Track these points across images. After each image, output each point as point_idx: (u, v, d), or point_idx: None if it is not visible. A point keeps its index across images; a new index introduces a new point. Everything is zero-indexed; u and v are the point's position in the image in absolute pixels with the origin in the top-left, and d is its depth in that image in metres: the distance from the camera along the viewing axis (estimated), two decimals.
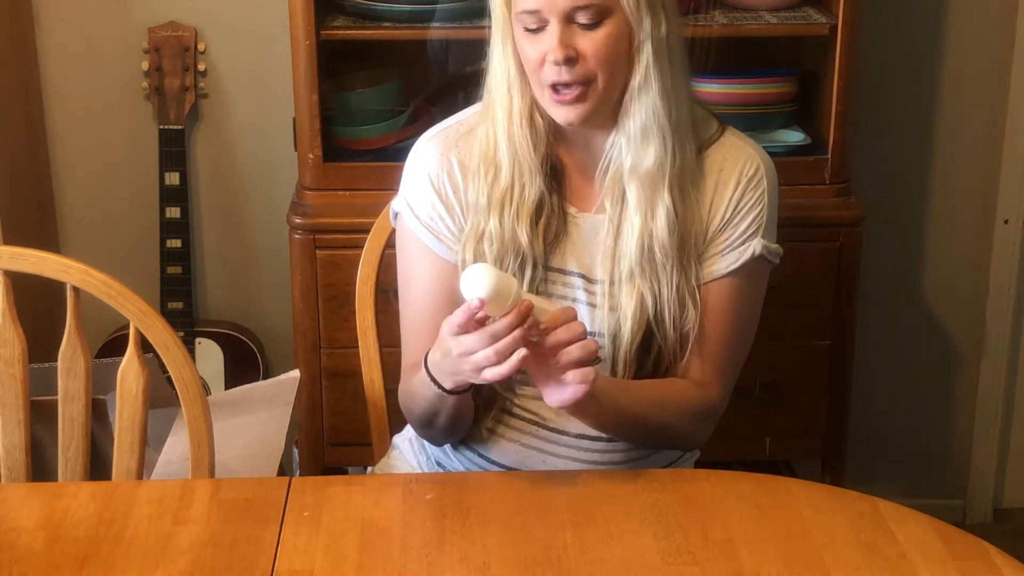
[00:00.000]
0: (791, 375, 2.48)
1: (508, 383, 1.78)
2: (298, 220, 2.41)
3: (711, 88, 2.45)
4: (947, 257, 2.90)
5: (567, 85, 1.69)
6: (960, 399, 3.01)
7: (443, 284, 1.81)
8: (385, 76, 2.51)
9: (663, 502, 1.61)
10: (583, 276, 1.79)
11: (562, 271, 1.79)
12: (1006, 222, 2.86)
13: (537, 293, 1.77)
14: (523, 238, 1.76)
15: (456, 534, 1.55)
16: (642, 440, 1.80)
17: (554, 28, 1.67)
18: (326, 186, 2.41)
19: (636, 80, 1.71)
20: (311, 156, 2.40)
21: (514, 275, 1.74)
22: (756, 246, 1.78)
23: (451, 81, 2.43)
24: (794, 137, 2.47)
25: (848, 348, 2.50)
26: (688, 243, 1.76)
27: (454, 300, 1.78)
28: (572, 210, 1.80)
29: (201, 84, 2.72)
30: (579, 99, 1.69)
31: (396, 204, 1.86)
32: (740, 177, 1.78)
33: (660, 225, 1.73)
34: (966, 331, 2.95)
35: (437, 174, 1.81)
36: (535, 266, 1.77)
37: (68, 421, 1.83)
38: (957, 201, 2.86)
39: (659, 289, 1.74)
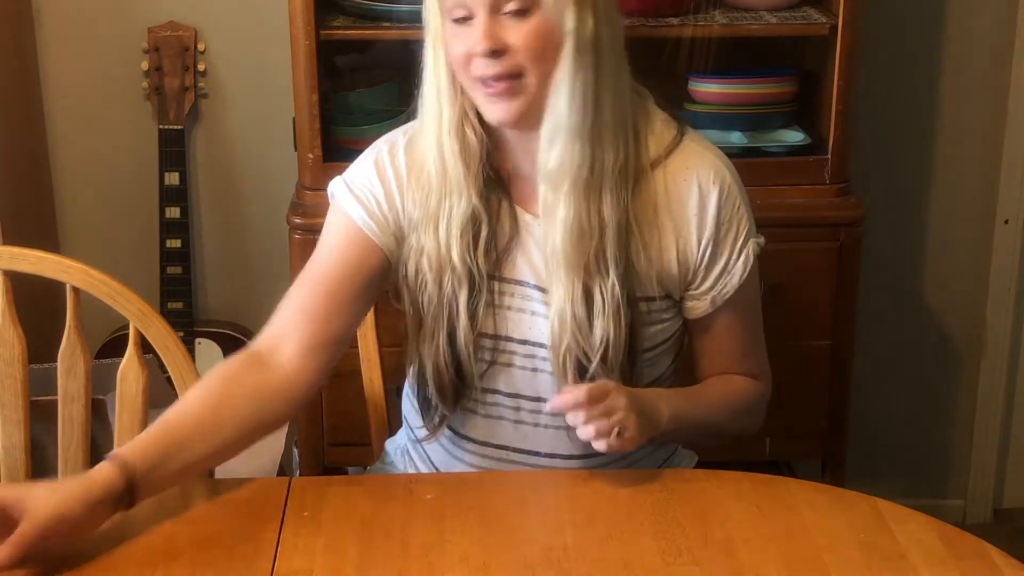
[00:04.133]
0: (791, 375, 2.48)
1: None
2: (298, 220, 2.41)
3: (711, 88, 2.46)
4: (947, 257, 2.90)
5: (497, 79, 1.62)
6: (960, 399, 3.01)
7: (354, 251, 1.74)
8: (385, 76, 2.51)
9: (663, 502, 1.61)
10: (538, 287, 1.73)
11: (516, 282, 1.74)
12: (1006, 222, 2.86)
13: (486, 307, 1.73)
14: (455, 255, 1.70)
15: (456, 534, 1.55)
16: (710, 442, 1.82)
17: (480, 20, 1.61)
18: (326, 186, 2.40)
19: (555, 78, 1.63)
20: (311, 156, 2.40)
21: (454, 292, 1.71)
22: (750, 249, 1.76)
23: None
24: (794, 137, 2.47)
25: (848, 348, 2.50)
26: (617, 252, 1.69)
27: (360, 274, 1.73)
28: (527, 217, 1.74)
29: (201, 84, 2.72)
30: (509, 94, 1.62)
31: (333, 184, 1.80)
32: (710, 191, 1.72)
33: (557, 231, 1.67)
34: (966, 331, 2.95)
35: (384, 161, 1.77)
36: (472, 283, 1.71)
37: (68, 421, 1.83)
38: (957, 201, 2.86)
39: (565, 296, 1.68)
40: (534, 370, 1.75)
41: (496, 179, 1.73)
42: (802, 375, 2.49)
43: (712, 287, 1.75)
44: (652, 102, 1.76)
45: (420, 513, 1.59)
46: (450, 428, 1.81)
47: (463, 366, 1.74)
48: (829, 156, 2.42)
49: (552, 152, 1.65)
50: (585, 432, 1.59)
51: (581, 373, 1.70)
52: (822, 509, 1.60)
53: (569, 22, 1.61)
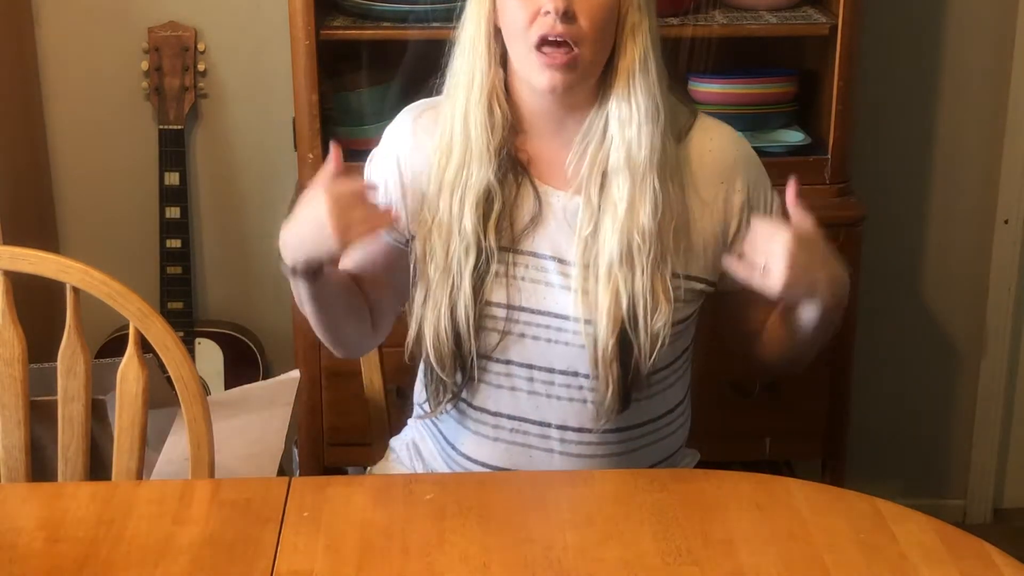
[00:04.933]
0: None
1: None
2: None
3: (711, 88, 2.45)
4: (947, 257, 2.90)
5: (557, 45, 1.65)
6: (960, 399, 3.01)
7: (383, 249, 1.83)
8: (385, 76, 2.50)
9: (663, 502, 1.61)
10: (556, 259, 1.76)
11: (531, 254, 1.76)
12: (1006, 222, 2.86)
13: (497, 277, 1.75)
14: (468, 223, 1.73)
15: (456, 534, 1.55)
16: (819, 340, 1.79)
17: None
18: None
19: (634, 62, 1.69)
20: (311, 156, 2.40)
21: (460, 262, 1.74)
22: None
23: None
24: (794, 137, 2.47)
25: (848, 348, 2.50)
26: (666, 234, 1.73)
27: (370, 254, 1.81)
28: (545, 188, 1.76)
29: (201, 84, 2.72)
30: (567, 65, 1.66)
31: (370, 155, 1.87)
32: (735, 158, 1.80)
33: (646, 214, 1.71)
34: (966, 331, 2.95)
35: (398, 146, 1.82)
36: (479, 254, 1.74)
37: (68, 421, 1.83)
38: (957, 201, 2.86)
39: (633, 281, 1.72)
40: (548, 341, 1.76)
41: (514, 161, 1.76)
42: (802, 375, 2.48)
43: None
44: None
45: (420, 513, 1.59)
46: (462, 399, 1.82)
47: (461, 336, 1.75)
48: (829, 156, 2.42)
49: (643, 138, 1.70)
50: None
51: (622, 350, 1.73)
52: (822, 509, 1.60)
53: (645, 8, 1.68)
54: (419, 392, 1.91)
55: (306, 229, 1.64)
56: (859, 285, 2.48)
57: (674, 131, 1.76)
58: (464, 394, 1.81)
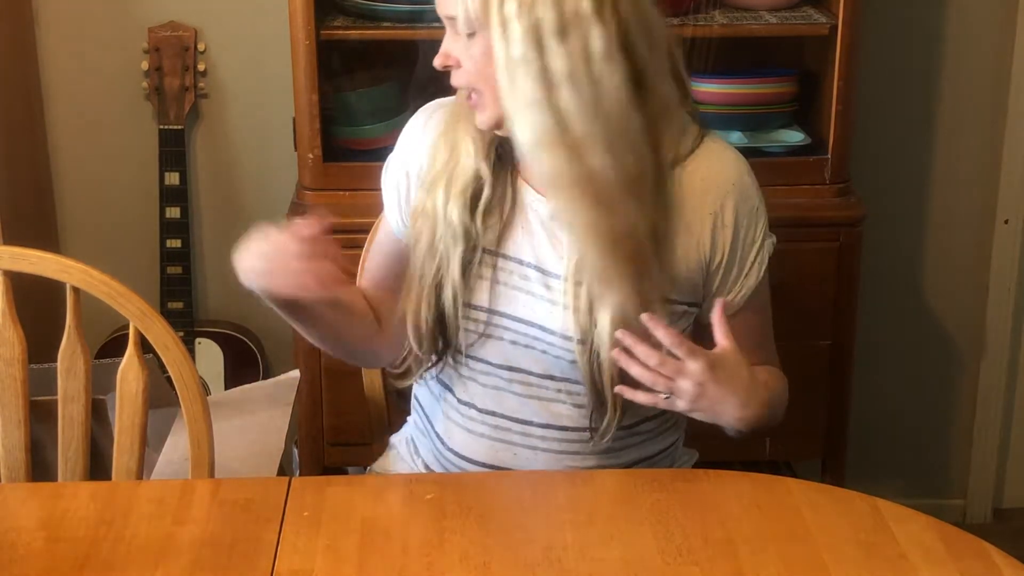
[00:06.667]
0: (791, 375, 2.46)
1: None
2: (298, 220, 2.40)
3: (711, 88, 2.45)
4: (947, 257, 2.90)
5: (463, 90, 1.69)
6: (960, 399, 3.01)
7: (387, 242, 1.88)
8: (385, 76, 2.51)
9: (663, 502, 1.61)
10: (538, 269, 1.74)
11: (519, 261, 1.75)
12: (1006, 222, 2.86)
13: (480, 279, 1.75)
14: (453, 214, 1.73)
15: (456, 534, 1.55)
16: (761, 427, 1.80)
17: (447, 33, 1.67)
18: (326, 186, 2.41)
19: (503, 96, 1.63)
20: (311, 156, 2.40)
21: (447, 249, 1.75)
22: (768, 247, 1.79)
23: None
24: (794, 137, 2.47)
25: (848, 348, 2.50)
26: (654, 257, 1.67)
27: (394, 255, 1.85)
28: (531, 192, 1.75)
29: (201, 84, 2.72)
30: (477, 106, 1.67)
31: (386, 163, 1.89)
32: (728, 192, 1.73)
33: (581, 241, 1.67)
34: (966, 331, 2.95)
35: (408, 147, 1.83)
36: (468, 245, 1.73)
37: (68, 421, 1.83)
38: (957, 201, 2.86)
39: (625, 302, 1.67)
40: (527, 347, 1.76)
41: (508, 156, 1.74)
42: (802, 375, 2.48)
43: (729, 291, 1.77)
44: (677, 102, 1.73)
45: (420, 513, 1.60)
46: (451, 392, 1.83)
47: (447, 320, 1.76)
48: (829, 156, 2.42)
49: (535, 162, 1.66)
50: (635, 372, 1.63)
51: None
52: (822, 509, 1.60)
53: (501, 45, 1.58)
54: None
55: (251, 261, 1.78)
56: (859, 285, 2.48)
57: (677, 149, 1.71)
58: (453, 391, 1.82)
